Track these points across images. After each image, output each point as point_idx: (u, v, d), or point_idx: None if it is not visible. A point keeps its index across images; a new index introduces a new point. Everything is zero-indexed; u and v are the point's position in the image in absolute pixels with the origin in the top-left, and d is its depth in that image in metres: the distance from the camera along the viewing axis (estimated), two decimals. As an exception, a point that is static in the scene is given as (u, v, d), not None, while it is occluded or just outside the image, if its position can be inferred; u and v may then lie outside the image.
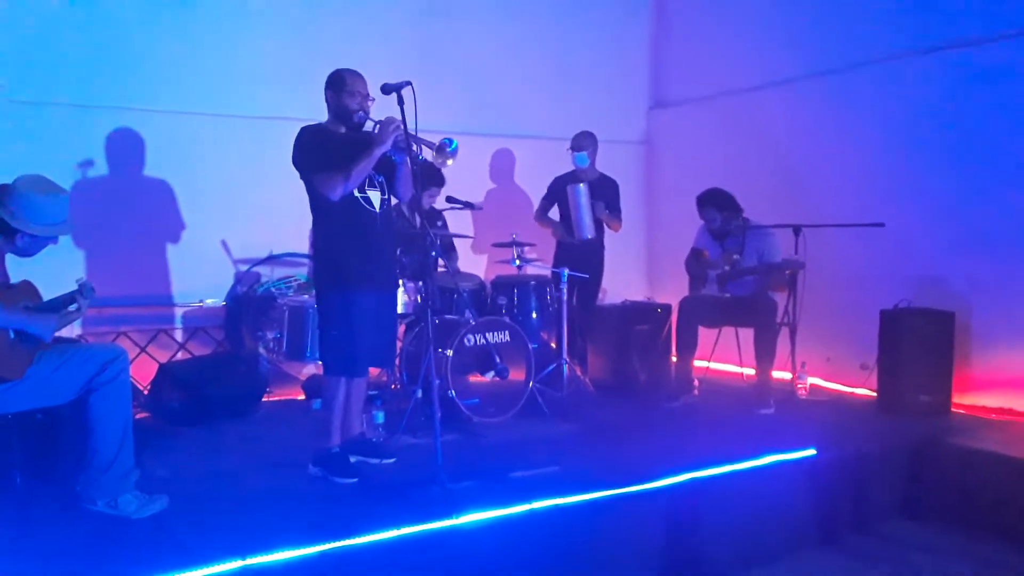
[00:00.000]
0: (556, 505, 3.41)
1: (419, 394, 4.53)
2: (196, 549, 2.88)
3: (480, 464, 3.92)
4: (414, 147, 3.69)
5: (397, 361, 5.01)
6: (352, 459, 3.90)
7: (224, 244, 5.70)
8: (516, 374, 4.83)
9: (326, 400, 3.87)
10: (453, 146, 3.76)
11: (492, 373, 4.66)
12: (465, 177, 6.06)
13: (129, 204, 5.42)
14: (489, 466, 3.86)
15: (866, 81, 5.70)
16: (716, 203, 5.33)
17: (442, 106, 6.08)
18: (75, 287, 3.42)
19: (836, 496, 4.15)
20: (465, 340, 4.66)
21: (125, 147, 5.40)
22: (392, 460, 4.00)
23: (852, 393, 5.57)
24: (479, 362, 4.71)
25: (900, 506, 4.34)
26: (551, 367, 5.18)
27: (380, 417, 4.48)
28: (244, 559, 2.81)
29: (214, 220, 5.63)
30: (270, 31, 5.74)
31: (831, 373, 5.79)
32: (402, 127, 3.61)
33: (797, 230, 5.15)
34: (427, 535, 3.14)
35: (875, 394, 5.19)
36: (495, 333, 4.77)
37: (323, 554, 2.93)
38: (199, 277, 5.63)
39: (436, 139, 3.81)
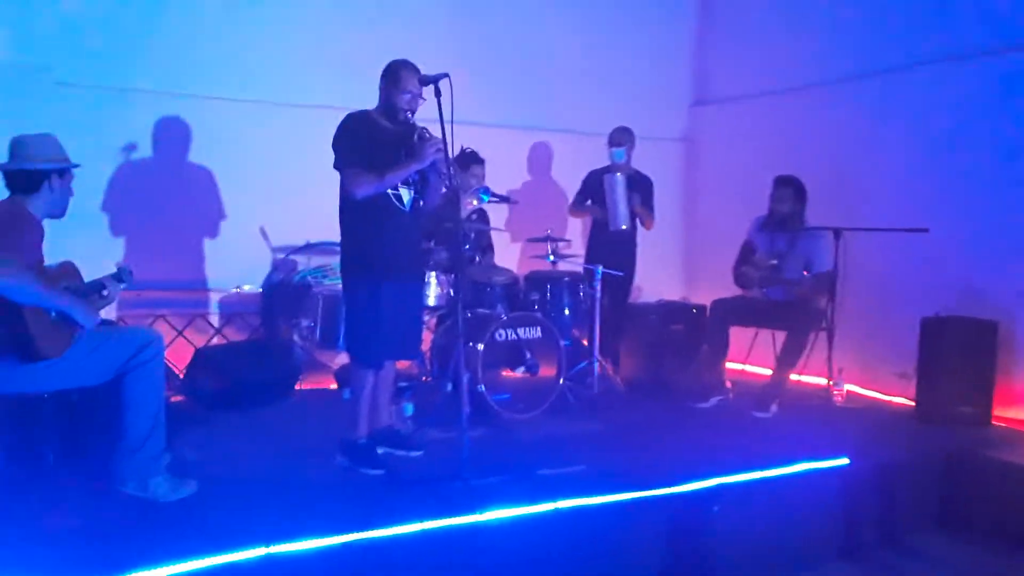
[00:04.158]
0: (581, 505, 3.39)
1: (449, 388, 4.54)
2: (221, 535, 2.91)
3: (507, 460, 3.90)
4: (447, 173, 3.70)
5: (428, 354, 5.03)
6: (380, 450, 3.92)
7: (263, 231, 5.75)
8: (547, 371, 4.82)
9: (353, 391, 3.89)
10: (484, 198, 3.81)
11: (522, 368, 4.65)
12: (502, 170, 6.07)
13: (170, 189, 5.50)
14: (516, 463, 3.85)
15: (913, 83, 5.57)
16: (796, 188, 5.25)
17: (482, 98, 6.08)
18: (114, 270, 3.48)
19: (868, 506, 4.08)
20: (496, 335, 4.65)
21: (168, 132, 5.47)
22: (419, 453, 4.01)
23: (890, 401, 5.46)
24: (509, 357, 4.70)
25: (934, 519, 4.25)
26: (582, 365, 5.16)
27: (409, 409, 4.49)
28: (268, 547, 2.83)
29: (253, 207, 5.67)
30: (314, 20, 5.77)
31: (869, 380, 5.68)
32: (442, 151, 3.62)
33: (838, 233, 5.05)
34: (450, 530, 3.14)
35: (914, 403, 5.09)
36: (526, 329, 4.76)
37: (346, 545, 2.94)
38: (237, 263, 5.68)
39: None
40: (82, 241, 4.61)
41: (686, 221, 7.43)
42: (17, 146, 3.17)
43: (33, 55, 4.92)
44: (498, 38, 6.47)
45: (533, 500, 3.34)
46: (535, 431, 4.51)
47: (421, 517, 3.14)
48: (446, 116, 3.55)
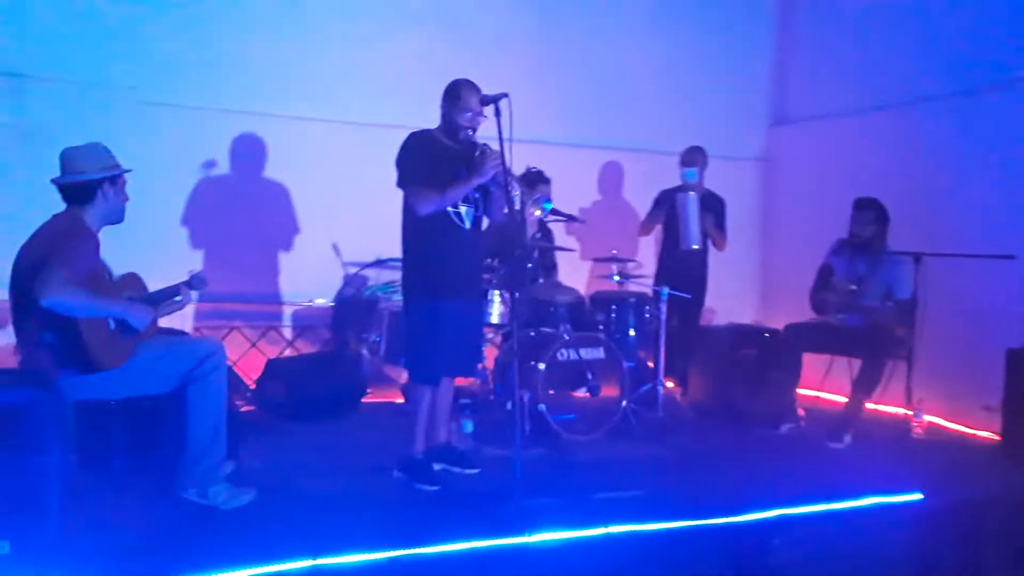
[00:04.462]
0: (634, 531, 3.32)
1: (510, 406, 4.52)
2: (272, 544, 2.96)
3: (563, 482, 3.88)
4: (512, 190, 3.71)
5: (491, 371, 5.03)
6: (436, 467, 3.94)
7: (335, 247, 5.86)
8: (612, 392, 4.75)
9: (412, 406, 3.91)
10: (547, 207, 3.80)
11: (583, 389, 4.60)
12: (572, 188, 6.06)
13: (247, 205, 5.67)
14: (571, 485, 3.82)
15: (1000, 102, 5.32)
16: (878, 212, 5.07)
17: (554, 116, 6.10)
18: (186, 277, 3.57)
19: (944, 546, 3.87)
20: (558, 354, 4.62)
21: (246, 150, 5.64)
22: (476, 471, 4.00)
23: (974, 435, 5.19)
24: (571, 377, 4.65)
25: (1016, 562, 4.00)
26: (646, 387, 5.07)
27: (469, 426, 4.49)
28: (315, 559, 2.86)
29: (326, 223, 5.79)
30: (386, 41, 5.86)
31: (953, 412, 5.41)
32: (502, 163, 3.62)
33: (918, 258, 4.84)
34: (498, 550, 3.11)
35: (999, 438, 4.82)
36: (589, 349, 4.70)
37: (392, 560, 2.95)
38: (310, 277, 5.81)
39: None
40: (162, 253, 4.83)
41: (763, 243, 7.25)
42: (67, 159, 3.24)
43: (119, 76, 5.14)
44: (572, 56, 6.47)
45: (585, 524, 3.28)
46: (595, 453, 4.45)
47: (471, 535, 3.12)
48: (505, 136, 3.57)
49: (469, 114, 3.79)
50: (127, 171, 3.36)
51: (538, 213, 4.18)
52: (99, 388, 3.18)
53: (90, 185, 3.22)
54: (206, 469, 3.37)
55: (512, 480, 3.53)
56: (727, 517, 3.50)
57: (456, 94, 3.81)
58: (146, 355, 3.24)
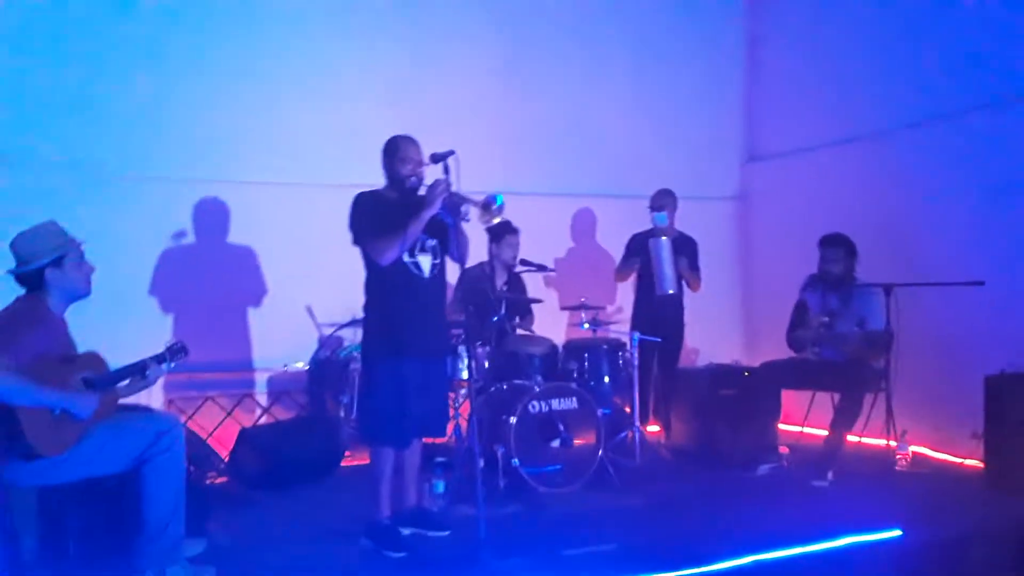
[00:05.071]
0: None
1: (481, 463, 4.44)
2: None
3: (534, 539, 3.80)
4: (462, 207, 3.68)
5: (464, 428, 4.96)
6: (406, 531, 3.85)
7: (308, 309, 5.83)
8: (587, 441, 4.68)
9: (373, 471, 3.84)
10: (499, 201, 3.68)
11: (556, 441, 4.54)
12: (546, 238, 6.04)
13: (217, 272, 5.66)
14: (543, 542, 3.74)
15: (968, 131, 5.32)
16: (846, 246, 5.07)
17: (525, 167, 6.12)
18: (161, 350, 3.49)
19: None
20: (530, 407, 4.56)
21: (213, 217, 5.65)
22: (446, 533, 3.92)
23: (961, 464, 5.09)
24: (544, 430, 4.59)
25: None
26: (623, 434, 5.00)
27: (440, 487, 4.41)
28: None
29: (299, 285, 5.76)
30: (352, 99, 5.88)
31: (938, 442, 5.33)
32: (449, 188, 3.61)
33: (888, 289, 4.80)
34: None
35: (983, 466, 4.74)
36: (561, 399, 4.65)
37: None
38: (285, 342, 5.76)
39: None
40: (132, 325, 4.82)
41: (743, 281, 7.21)
42: (14, 249, 3.24)
43: (79, 152, 5.18)
44: (541, 105, 6.47)
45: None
46: (571, 506, 4.37)
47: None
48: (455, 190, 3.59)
49: (410, 163, 3.79)
50: (76, 244, 3.30)
51: (497, 220, 3.96)
52: (47, 473, 3.12)
53: (35, 273, 3.21)
54: (164, 549, 3.29)
55: (482, 540, 3.47)
56: (700, 567, 3.41)
57: (395, 146, 3.84)
58: (96, 438, 3.17)
